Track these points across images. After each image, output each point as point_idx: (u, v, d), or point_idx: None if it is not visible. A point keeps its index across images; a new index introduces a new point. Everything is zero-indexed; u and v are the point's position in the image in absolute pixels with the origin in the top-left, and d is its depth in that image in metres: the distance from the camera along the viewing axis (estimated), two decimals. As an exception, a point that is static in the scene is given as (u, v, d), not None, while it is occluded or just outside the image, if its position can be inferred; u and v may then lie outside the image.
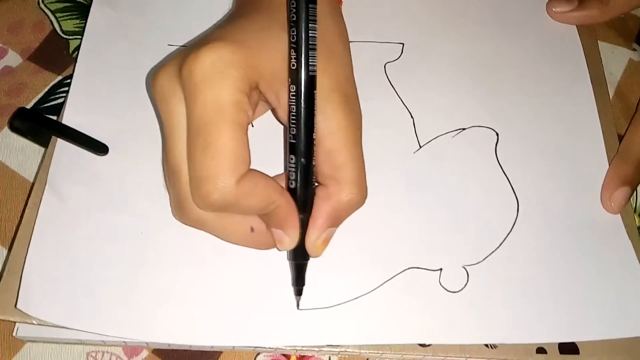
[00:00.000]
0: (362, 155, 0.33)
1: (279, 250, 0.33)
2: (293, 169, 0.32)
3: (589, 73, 0.41)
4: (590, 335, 0.33)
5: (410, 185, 0.36)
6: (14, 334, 0.33)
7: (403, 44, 0.42)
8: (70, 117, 0.37)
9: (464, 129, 0.38)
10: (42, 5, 0.44)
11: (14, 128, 0.38)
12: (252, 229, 0.32)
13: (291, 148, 0.31)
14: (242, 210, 0.31)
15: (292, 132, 0.31)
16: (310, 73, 0.30)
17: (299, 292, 0.33)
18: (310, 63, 0.30)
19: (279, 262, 0.34)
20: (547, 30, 0.43)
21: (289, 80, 0.31)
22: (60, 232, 0.34)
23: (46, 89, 0.42)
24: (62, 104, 0.39)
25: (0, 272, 0.35)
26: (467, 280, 0.34)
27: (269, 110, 0.38)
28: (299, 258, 0.33)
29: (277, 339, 0.32)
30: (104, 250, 0.34)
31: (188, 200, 0.31)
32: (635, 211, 0.38)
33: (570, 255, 0.34)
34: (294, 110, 0.31)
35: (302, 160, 0.31)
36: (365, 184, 0.32)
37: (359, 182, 0.32)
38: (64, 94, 0.41)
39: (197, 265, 0.34)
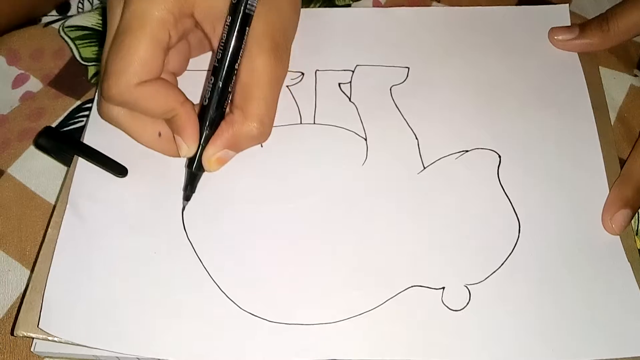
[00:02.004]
0: (276, 99, 0.37)
1: (180, 156, 0.37)
2: (209, 89, 0.36)
3: (590, 98, 0.41)
4: (593, 354, 0.33)
5: (413, 204, 0.37)
6: (32, 349, 0.34)
7: (408, 68, 0.43)
8: (90, 139, 0.39)
9: (467, 151, 0.39)
10: (62, 33, 0.46)
11: (39, 146, 0.40)
12: (159, 134, 0.37)
13: (213, 71, 0.36)
14: (142, 110, 0.36)
15: (217, 57, 0.36)
16: (247, 10, 0.35)
17: (186, 198, 0.37)
18: (249, 2, 0.34)
19: (288, 275, 0.35)
20: (549, 57, 0.43)
21: (228, 12, 0.35)
22: (79, 253, 0.35)
23: (65, 114, 0.43)
24: (82, 128, 0.41)
25: (23, 292, 0.36)
26: (469, 299, 0.34)
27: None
28: (194, 168, 0.37)
29: (281, 354, 0.33)
30: (120, 270, 0.35)
31: None
32: (637, 234, 0.39)
33: (571, 276, 0.35)
34: (224, 39, 0.35)
35: (220, 83, 0.36)
36: (269, 123, 0.37)
37: (262, 119, 0.36)
38: (83, 118, 0.42)
39: (210, 285, 0.35)
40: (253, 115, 0.36)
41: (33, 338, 0.34)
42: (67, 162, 0.39)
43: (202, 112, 0.37)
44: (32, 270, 0.36)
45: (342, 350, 0.33)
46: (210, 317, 0.34)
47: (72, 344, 0.33)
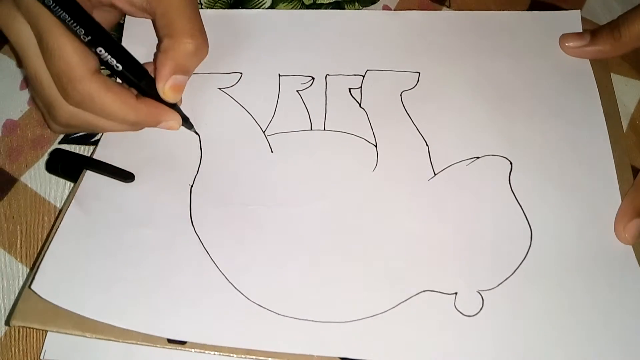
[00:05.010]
0: (196, 13, 0.39)
1: (177, 129, 0.40)
2: (108, 56, 0.37)
3: (602, 105, 0.41)
4: None
5: (424, 211, 0.37)
6: (41, 357, 0.33)
7: (419, 74, 0.43)
8: (102, 151, 0.39)
9: (478, 157, 0.39)
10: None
11: (50, 169, 0.40)
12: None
13: (91, 44, 0.36)
14: (102, 102, 0.37)
15: (79, 32, 0.35)
16: None
17: (189, 127, 0.40)
18: None
19: (298, 273, 0.35)
20: (561, 63, 0.43)
21: None
22: (81, 236, 0.36)
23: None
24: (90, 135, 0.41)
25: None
26: (482, 305, 0.34)
27: (286, 135, 0.40)
28: (169, 105, 0.39)
29: (286, 346, 0.32)
30: (122, 253, 0.35)
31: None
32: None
33: (584, 285, 0.35)
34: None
35: (105, 45, 0.36)
36: (200, 35, 0.39)
37: (192, 33, 0.38)
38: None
39: (217, 276, 0.35)
40: (180, 33, 0.38)
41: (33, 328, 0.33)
42: (76, 178, 0.39)
43: (123, 77, 0.38)
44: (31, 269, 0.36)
45: (352, 349, 0.32)
46: (213, 301, 0.34)
47: (62, 307, 0.33)
